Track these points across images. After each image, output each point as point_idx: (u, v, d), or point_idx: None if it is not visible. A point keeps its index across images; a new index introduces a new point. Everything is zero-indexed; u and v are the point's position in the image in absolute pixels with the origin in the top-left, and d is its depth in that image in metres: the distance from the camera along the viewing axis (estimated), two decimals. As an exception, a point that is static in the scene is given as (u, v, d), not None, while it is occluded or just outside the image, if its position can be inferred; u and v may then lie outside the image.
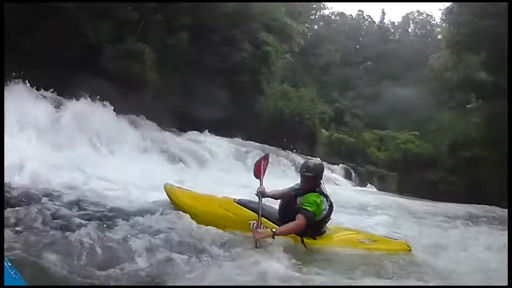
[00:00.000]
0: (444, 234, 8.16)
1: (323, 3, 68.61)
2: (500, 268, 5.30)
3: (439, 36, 50.52)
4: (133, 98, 19.93)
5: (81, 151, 12.47)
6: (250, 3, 29.96)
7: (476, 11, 29.21)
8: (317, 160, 7.28)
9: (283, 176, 20.11)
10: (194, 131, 21.83)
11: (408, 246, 6.04)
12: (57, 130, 13.18)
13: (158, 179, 8.00)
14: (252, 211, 6.06)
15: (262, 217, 5.85)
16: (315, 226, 5.83)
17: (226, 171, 17.67)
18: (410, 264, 5.47)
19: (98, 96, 15.45)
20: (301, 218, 5.63)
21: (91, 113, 14.82)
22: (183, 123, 22.55)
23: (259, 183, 6.37)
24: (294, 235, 5.75)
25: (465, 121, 34.57)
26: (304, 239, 5.78)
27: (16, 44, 16.14)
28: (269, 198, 6.37)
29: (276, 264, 4.78)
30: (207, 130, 22.55)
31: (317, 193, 5.88)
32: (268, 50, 31.67)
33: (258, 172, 6.56)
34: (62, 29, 19.09)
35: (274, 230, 5.52)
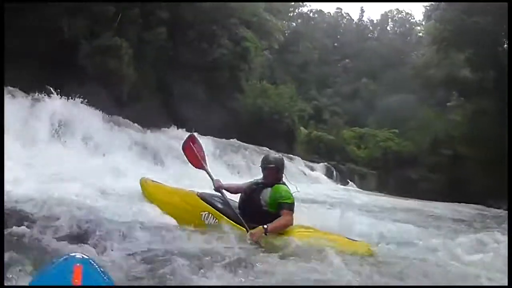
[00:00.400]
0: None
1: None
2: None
3: (420, 34, 50.57)
4: (110, 95, 19.40)
5: (56, 150, 11.96)
6: (229, -1, 29.56)
7: (464, 8, 28.76)
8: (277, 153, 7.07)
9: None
10: (174, 128, 21.18)
11: (369, 249, 5.59)
12: (32, 128, 12.66)
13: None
14: (211, 205, 6.03)
15: (220, 213, 5.90)
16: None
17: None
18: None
19: (73, 94, 14.91)
20: (288, 212, 5.53)
21: (68, 111, 14.28)
22: (161, 120, 21.97)
23: (208, 175, 6.38)
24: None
25: (446, 119, 34.66)
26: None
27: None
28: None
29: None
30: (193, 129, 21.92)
31: (284, 185, 5.84)
32: (247, 46, 31.10)
33: (193, 158, 6.51)
34: (36, 24, 18.41)
35: (265, 227, 5.29)
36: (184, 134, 20.80)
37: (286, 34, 55.02)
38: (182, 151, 6.66)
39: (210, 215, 5.91)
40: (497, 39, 26.99)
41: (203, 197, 6.16)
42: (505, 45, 28.68)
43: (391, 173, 35.16)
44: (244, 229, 5.51)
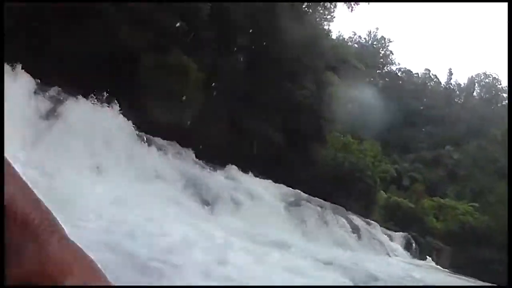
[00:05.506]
0: None
1: (390, 57, 66.09)
2: None
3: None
4: (169, 117, 16.69)
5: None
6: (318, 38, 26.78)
7: None
8: None
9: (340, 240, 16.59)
10: (234, 167, 18.19)
11: None
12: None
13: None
14: None
15: None
16: None
17: (264, 221, 13.92)
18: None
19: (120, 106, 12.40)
20: None
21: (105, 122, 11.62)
22: (224, 157, 18.92)
23: None
24: None
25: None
26: None
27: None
28: None
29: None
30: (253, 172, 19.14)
31: None
32: (333, 92, 27.92)
33: None
34: (97, 30, 16.52)
35: None
36: (250, 179, 17.96)
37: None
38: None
39: None
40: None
41: None
42: None
43: (467, 251, 32.11)
44: None
